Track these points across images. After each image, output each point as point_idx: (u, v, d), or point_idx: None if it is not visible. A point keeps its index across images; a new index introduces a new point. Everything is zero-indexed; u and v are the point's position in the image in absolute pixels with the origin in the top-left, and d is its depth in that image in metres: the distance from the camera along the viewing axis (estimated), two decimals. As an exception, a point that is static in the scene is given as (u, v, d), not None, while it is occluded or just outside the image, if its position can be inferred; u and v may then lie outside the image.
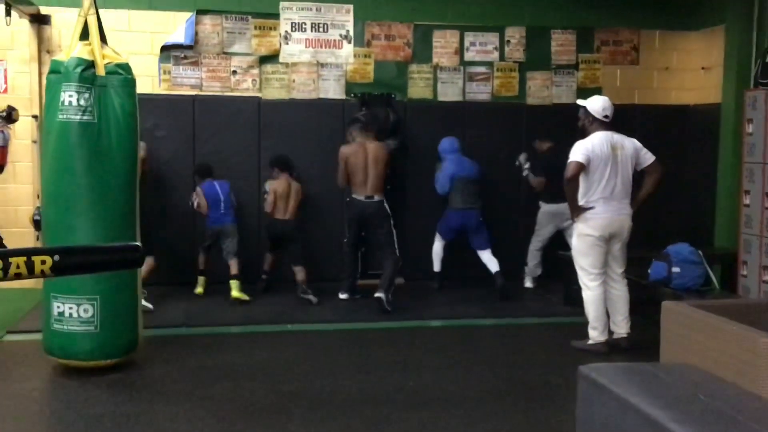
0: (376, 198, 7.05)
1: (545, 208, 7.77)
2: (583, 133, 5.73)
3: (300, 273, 7.26)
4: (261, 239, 7.79)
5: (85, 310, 4.88)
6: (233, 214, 7.33)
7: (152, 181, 7.04)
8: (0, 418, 4.35)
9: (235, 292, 7.08)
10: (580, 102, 5.82)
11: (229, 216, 7.31)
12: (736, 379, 3.28)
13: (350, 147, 7.15)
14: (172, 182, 7.67)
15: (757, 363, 3.18)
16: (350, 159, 7.05)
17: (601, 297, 5.66)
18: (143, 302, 6.53)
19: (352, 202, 7.16)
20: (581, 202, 5.58)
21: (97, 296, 4.88)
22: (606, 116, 5.62)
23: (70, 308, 4.89)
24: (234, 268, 7.19)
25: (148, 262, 6.57)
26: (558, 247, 7.52)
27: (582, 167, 5.50)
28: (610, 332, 5.77)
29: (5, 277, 1.66)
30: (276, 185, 7.33)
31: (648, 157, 5.68)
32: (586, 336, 5.75)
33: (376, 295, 6.85)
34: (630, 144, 5.65)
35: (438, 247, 7.79)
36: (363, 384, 4.97)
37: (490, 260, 7.49)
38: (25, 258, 1.66)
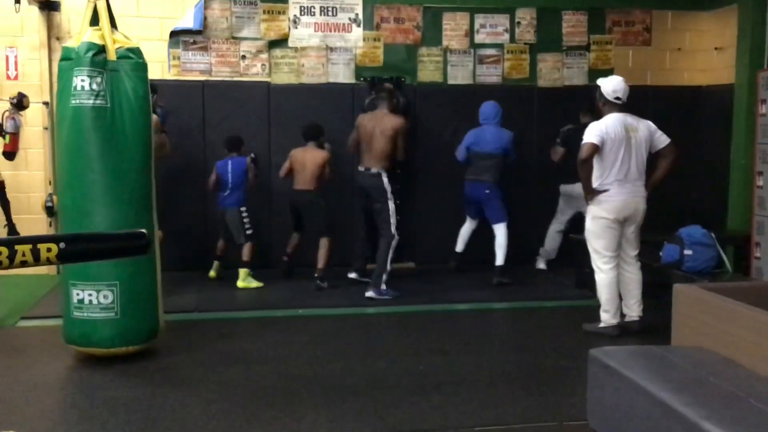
0: (373, 170, 6.92)
1: (563, 189, 7.72)
2: (598, 115, 5.68)
3: (323, 247, 7.09)
4: (272, 223, 7.81)
5: (105, 296, 4.86)
6: (240, 196, 7.20)
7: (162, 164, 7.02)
8: (14, 404, 4.39)
9: (239, 282, 7.08)
10: (598, 82, 5.76)
11: (233, 198, 7.18)
12: (747, 362, 3.26)
13: (366, 115, 7.12)
14: (182, 167, 7.67)
15: (769, 346, 3.16)
16: (361, 127, 7.03)
17: (614, 280, 5.64)
18: None
19: (356, 174, 7.10)
20: (595, 184, 5.55)
21: (117, 282, 4.86)
22: (617, 98, 5.56)
23: (90, 295, 4.86)
24: (245, 254, 7.15)
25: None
26: (572, 230, 7.50)
27: (596, 149, 5.46)
28: (622, 315, 5.76)
29: (11, 265, 1.66)
30: (294, 153, 7.24)
31: (663, 140, 5.63)
32: (598, 319, 5.73)
33: (366, 295, 6.74)
34: (644, 126, 5.60)
35: (465, 228, 7.72)
36: (373, 368, 4.98)
37: (499, 250, 7.35)
38: (30, 246, 1.66)
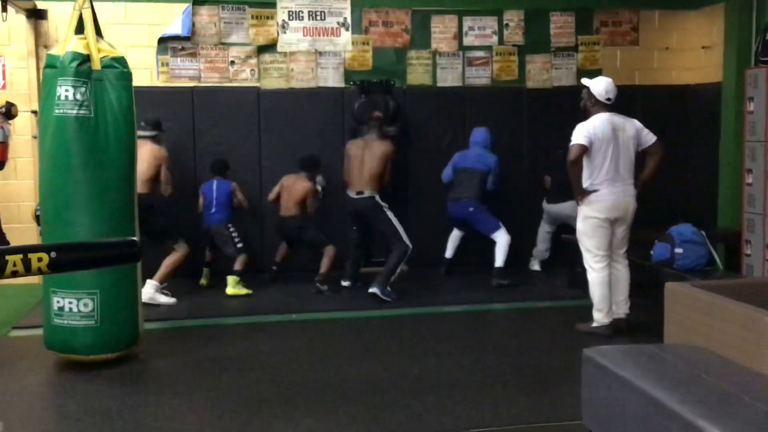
0: (366, 194, 6.96)
1: (545, 207, 7.80)
2: (585, 115, 5.72)
3: (327, 254, 7.10)
4: (264, 230, 7.80)
5: (85, 305, 4.88)
6: (226, 213, 7.20)
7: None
8: (5, 413, 4.36)
9: (229, 289, 7.06)
10: (584, 81, 5.79)
11: (219, 215, 7.20)
12: (740, 359, 3.27)
13: (354, 142, 7.18)
14: (172, 174, 7.64)
15: (761, 342, 3.17)
16: (350, 151, 7.09)
17: (606, 279, 5.66)
18: (165, 297, 6.60)
19: (346, 200, 7.12)
20: (585, 184, 5.58)
21: (97, 290, 4.89)
22: (609, 99, 5.60)
23: (70, 303, 4.89)
24: (238, 264, 7.15)
25: (179, 252, 6.70)
26: (563, 230, 7.52)
27: (585, 149, 5.49)
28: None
29: (2, 275, 1.66)
30: (284, 178, 7.32)
31: (649, 138, 5.67)
32: (591, 319, 5.75)
33: (370, 290, 6.76)
34: (631, 125, 5.64)
35: (455, 234, 7.76)
36: (368, 372, 4.97)
37: (499, 251, 7.34)
38: (21, 255, 1.66)
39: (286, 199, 7.23)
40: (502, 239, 7.37)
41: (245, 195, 7.41)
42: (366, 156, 6.99)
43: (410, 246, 6.90)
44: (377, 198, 6.97)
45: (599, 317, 5.70)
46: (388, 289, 6.79)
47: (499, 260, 7.35)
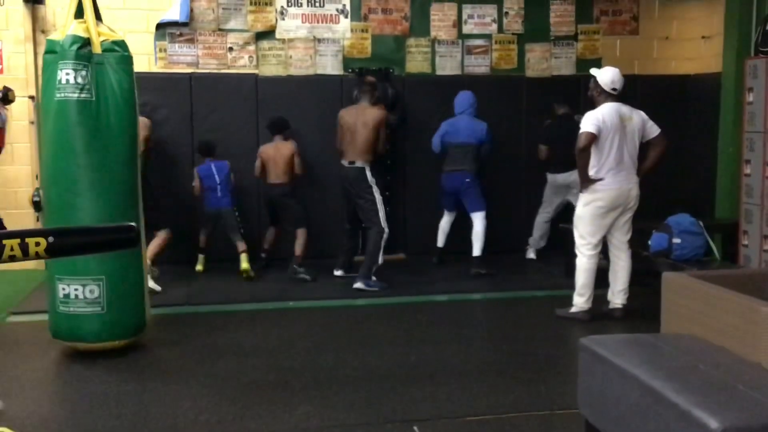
0: (357, 164, 6.87)
1: (550, 179, 7.75)
2: (592, 104, 5.75)
3: (300, 237, 7.14)
4: (261, 216, 7.79)
5: (91, 291, 4.85)
6: (231, 196, 7.25)
7: (155, 158, 7.02)
8: (4, 400, 4.36)
9: (244, 264, 7.08)
10: (592, 71, 5.83)
11: (227, 198, 7.23)
12: (737, 349, 3.28)
13: (347, 109, 7.12)
14: (171, 160, 7.64)
15: (758, 332, 3.18)
16: (343, 120, 7.00)
17: (594, 266, 5.73)
18: (151, 283, 6.60)
19: (340, 169, 7.07)
20: (591, 173, 5.62)
21: (103, 276, 4.85)
22: (614, 89, 5.64)
23: (76, 290, 4.84)
24: (241, 246, 7.18)
25: (162, 236, 6.74)
26: (561, 219, 7.53)
27: (594, 137, 5.54)
28: (606, 301, 5.85)
29: (0, 260, 1.65)
30: (263, 149, 7.30)
31: (654, 130, 5.73)
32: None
33: (355, 286, 6.70)
34: (637, 116, 5.70)
35: (444, 222, 7.73)
36: (365, 359, 4.98)
37: (476, 240, 7.32)
38: (19, 240, 1.65)
39: (273, 168, 7.21)
40: (479, 225, 7.34)
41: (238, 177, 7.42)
42: (358, 124, 6.92)
43: (386, 229, 6.84)
44: (367, 171, 6.88)
45: (579, 302, 5.77)
46: (373, 279, 6.76)
47: (477, 249, 7.32)
